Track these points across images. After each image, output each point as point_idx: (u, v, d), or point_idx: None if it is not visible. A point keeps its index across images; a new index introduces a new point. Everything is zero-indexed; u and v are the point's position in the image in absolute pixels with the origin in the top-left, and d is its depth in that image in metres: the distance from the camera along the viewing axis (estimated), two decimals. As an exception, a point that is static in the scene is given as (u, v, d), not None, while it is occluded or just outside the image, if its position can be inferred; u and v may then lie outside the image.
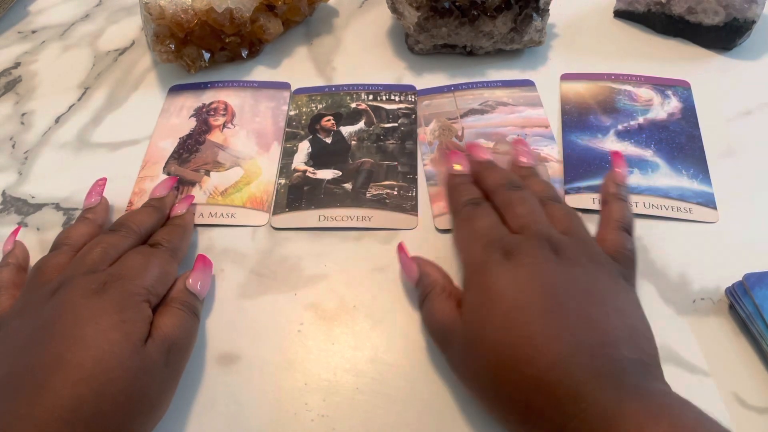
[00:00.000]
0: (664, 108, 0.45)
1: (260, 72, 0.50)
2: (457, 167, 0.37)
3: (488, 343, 0.28)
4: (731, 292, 0.34)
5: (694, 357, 0.33)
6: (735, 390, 0.31)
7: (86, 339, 0.28)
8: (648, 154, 0.42)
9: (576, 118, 0.45)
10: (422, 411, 0.32)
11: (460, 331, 0.30)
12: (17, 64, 0.52)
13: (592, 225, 0.35)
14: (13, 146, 0.46)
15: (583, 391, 0.25)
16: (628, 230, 0.33)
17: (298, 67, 0.50)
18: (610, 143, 0.43)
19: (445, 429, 0.31)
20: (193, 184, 0.42)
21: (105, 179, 0.40)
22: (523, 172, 0.37)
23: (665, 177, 0.41)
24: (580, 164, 0.42)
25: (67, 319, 0.29)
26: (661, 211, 0.39)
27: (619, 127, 0.44)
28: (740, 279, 0.34)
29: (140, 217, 0.36)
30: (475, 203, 0.34)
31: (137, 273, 0.32)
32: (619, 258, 0.32)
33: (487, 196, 0.35)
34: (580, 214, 0.34)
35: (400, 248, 0.36)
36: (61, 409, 0.26)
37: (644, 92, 0.46)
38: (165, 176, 0.42)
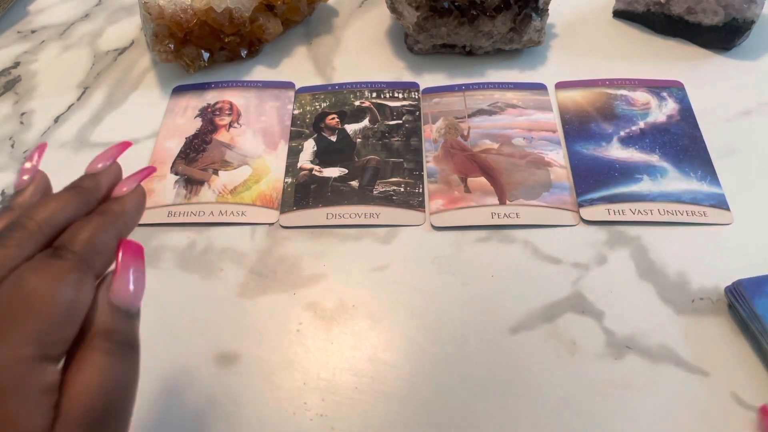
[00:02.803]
0: (662, 110, 0.45)
1: (260, 72, 0.50)
2: None
3: None
4: (731, 290, 0.34)
5: (694, 357, 0.33)
6: (734, 389, 0.31)
7: None
8: (654, 159, 0.42)
9: (577, 128, 0.44)
10: (421, 410, 0.31)
11: None
12: (17, 64, 0.52)
13: (603, 234, 0.35)
14: (13, 146, 0.46)
15: None
16: None
17: (297, 67, 0.50)
18: (616, 151, 0.42)
19: (444, 428, 0.31)
20: (201, 183, 0.42)
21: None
22: None
23: (675, 181, 0.40)
24: (590, 175, 0.41)
25: None
26: (676, 216, 0.38)
27: (621, 133, 0.44)
28: (740, 278, 0.34)
29: (48, 208, 0.22)
30: None
31: (15, 323, 0.19)
32: None
33: None
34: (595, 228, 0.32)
35: (765, 411, 0.30)
36: None
37: (640, 96, 0.46)
38: (173, 176, 0.42)
